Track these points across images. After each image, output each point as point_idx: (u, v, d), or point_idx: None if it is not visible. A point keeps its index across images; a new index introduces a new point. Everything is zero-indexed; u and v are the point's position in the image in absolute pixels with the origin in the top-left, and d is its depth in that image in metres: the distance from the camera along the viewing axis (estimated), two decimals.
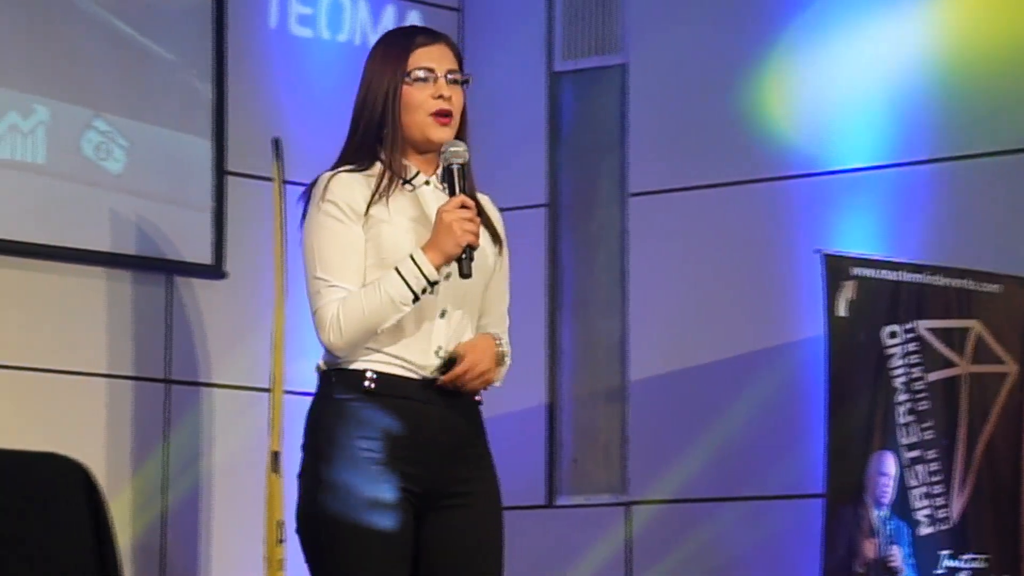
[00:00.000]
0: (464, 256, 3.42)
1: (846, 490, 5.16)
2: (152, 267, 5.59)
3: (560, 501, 6.19)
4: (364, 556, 3.36)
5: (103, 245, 5.47)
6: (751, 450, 5.83)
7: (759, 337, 5.84)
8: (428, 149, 3.50)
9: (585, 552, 6.06)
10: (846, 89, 5.85)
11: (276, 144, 5.38)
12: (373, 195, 3.43)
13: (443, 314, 3.47)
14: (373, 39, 6.35)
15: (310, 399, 3.48)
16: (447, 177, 3.47)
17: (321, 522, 3.36)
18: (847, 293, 5.25)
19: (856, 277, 5.26)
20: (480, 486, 3.51)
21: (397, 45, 3.52)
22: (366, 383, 3.39)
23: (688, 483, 5.89)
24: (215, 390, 5.72)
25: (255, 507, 5.35)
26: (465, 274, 3.43)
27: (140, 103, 5.56)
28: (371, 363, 3.40)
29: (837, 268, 5.25)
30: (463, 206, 3.42)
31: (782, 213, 5.89)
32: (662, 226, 6.09)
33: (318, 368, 3.47)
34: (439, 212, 3.42)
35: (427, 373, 3.44)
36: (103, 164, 5.51)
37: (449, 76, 3.50)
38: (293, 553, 3.69)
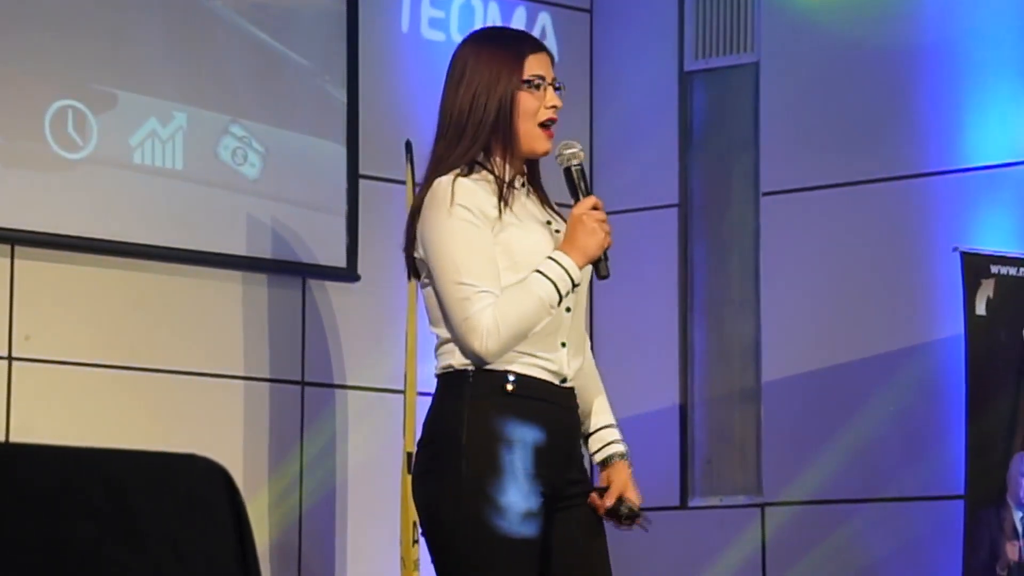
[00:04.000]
0: (603, 258, 3.43)
1: (987, 491, 5.08)
2: (287, 271, 5.64)
3: (694, 502, 6.16)
4: (507, 559, 3.37)
5: (239, 249, 5.53)
6: (888, 451, 5.76)
7: (896, 337, 5.77)
8: (529, 157, 3.53)
9: (719, 554, 6.02)
10: (984, 84, 5.76)
11: (408, 147, 5.41)
12: (499, 199, 3.44)
13: (568, 309, 3.48)
14: None
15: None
16: (568, 179, 3.48)
17: (462, 523, 3.35)
18: (986, 291, 5.18)
19: (996, 275, 5.19)
20: (587, 487, 3.53)
21: (510, 49, 3.51)
22: (508, 385, 3.39)
23: (824, 484, 5.84)
24: (349, 392, 5.76)
25: (390, 507, 5.38)
26: (604, 275, 3.44)
27: (275, 109, 5.62)
28: (510, 364, 3.40)
29: (976, 266, 5.18)
30: (595, 207, 3.43)
31: (919, 211, 5.82)
32: (795, 225, 6.04)
33: (448, 369, 3.45)
34: (577, 215, 3.43)
35: (558, 370, 3.45)
36: (239, 169, 5.57)
37: (555, 85, 3.53)
38: (428, 553, 3.71)
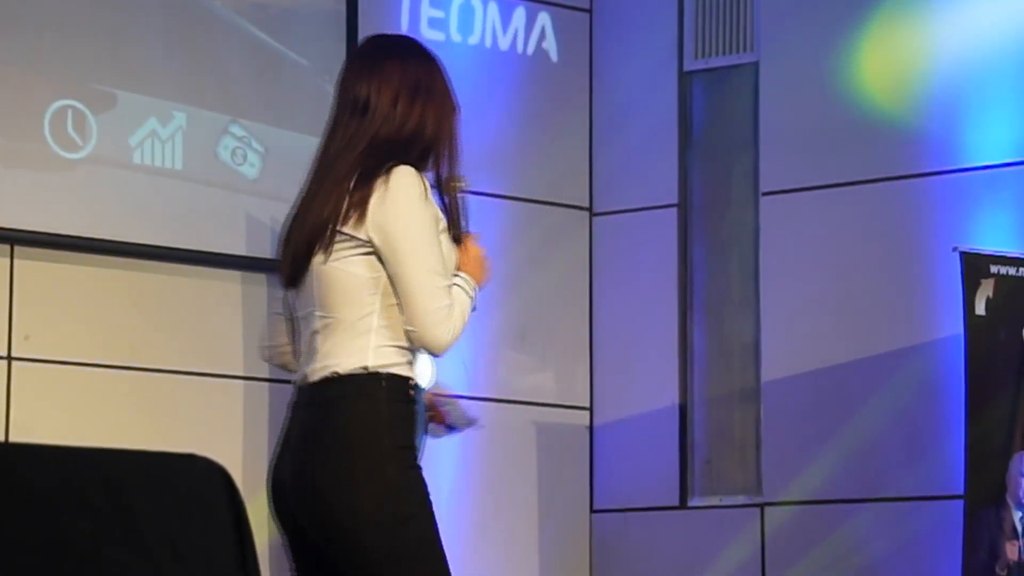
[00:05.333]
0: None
1: (987, 491, 5.08)
2: None
3: (693, 502, 6.16)
4: (440, 555, 3.45)
5: (239, 249, 5.53)
6: (888, 451, 5.76)
7: (896, 336, 5.77)
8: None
9: (719, 554, 6.03)
10: (984, 84, 5.77)
11: None
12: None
13: None
14: (503, 42, 6.41)
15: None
16: (453, 204, 3.61)
17: (401, 526, 3.39)
18: (986, 291, 5.18)
19: (995, 275, 5.19)
20: None
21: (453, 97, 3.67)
22: (410, 391, 3.45)
23: (824, 484, 5.84)
24: None
25: None
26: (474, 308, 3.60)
27: (275, 108, 5.62)
28: (411, 371, 3.47)
29: (975, 266, 5.18)
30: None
31: (918, 210, 5.82)
32: (795, 225, 6.04)
33: (361, 371, 3.44)
34: (478, 250, 3.58)
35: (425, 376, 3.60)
36: (239, 169, 5.57)
37: None
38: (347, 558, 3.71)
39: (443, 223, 3.53)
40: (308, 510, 3.47)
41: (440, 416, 3.72)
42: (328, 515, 3.44)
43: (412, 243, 3.44)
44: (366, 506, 3.40)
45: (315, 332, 3.48)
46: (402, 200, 3.44)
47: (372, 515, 3.41)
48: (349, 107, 3.61)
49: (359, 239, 3.45)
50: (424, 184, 3.47)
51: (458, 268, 3.53)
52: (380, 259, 3.45)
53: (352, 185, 3.47)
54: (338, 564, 3.48)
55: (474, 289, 3.53)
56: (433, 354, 3.47)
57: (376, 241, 3.44)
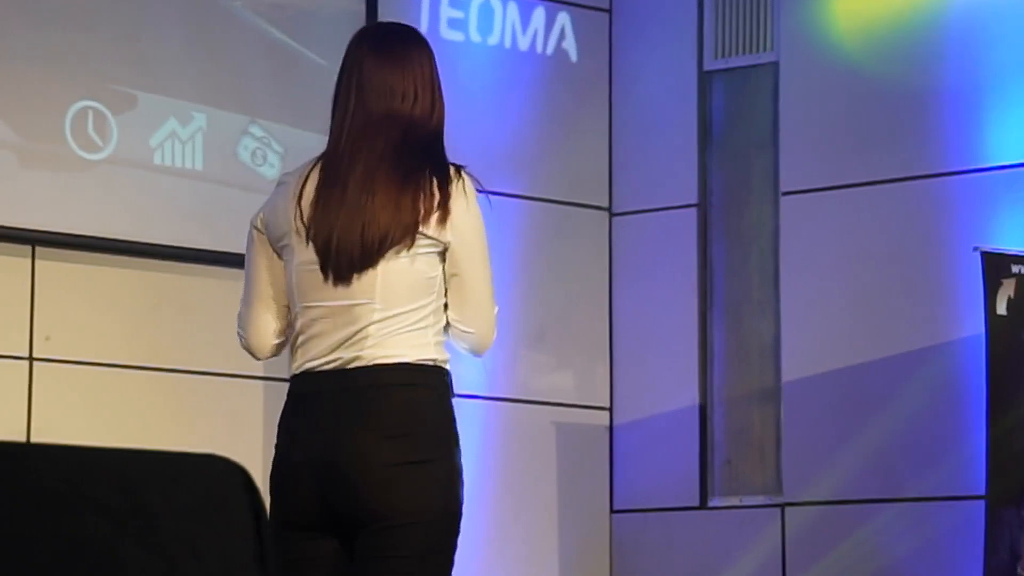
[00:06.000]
0: None
1: (1008, 491, 5.07)
2: None
3: (713, 503, 6.16)
4: None
5: None
6: (909, 451, 5.75)
7: (917, 336, 5.76)
8: None
9: (739, 554, 6.02)
10: (1005, 84, 5.75)
11: None
12: None
13: None
14: (523, 42, 6.42)
15: (440, 394, 3.50)
16: None
17: (458, 515, 3.44)
18: (1007, 291, 5.17)
19: (1016, 275, 5.18)
20: None
21: None
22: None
23: (844, 484, 5.83)
24: None
25: None
26: None
27: (294, 109, 5.63)
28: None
29: (997, 266, 5.17)
30: None
31: (939, 210, 5.81)
32: (815, 225, 6.03)
33: (444, 363, 3.47)
34: None
35: None
36: (259, 169, 5.58)
37: None
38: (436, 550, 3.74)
39: None
40: (361, 494, 3.41)
41: None
42: (395, 500, 3.40)
43: (483, 250, 3.48)
44: (437, 494, 3.41)
45: (369, 324, 3.46)
46: (477, 208, 3.47)
47: (439, 503, 3.42)
48: (384, 99, 3.54)
49: (438, 240, 3.45)
50: None
51: None
52: (442, 260, 3.46)
53: (427, 185, 3.45)
54: (382, 551, 3.44)
55: None
56: (478, 355, 3.52)
57: (454, 245, 3.44)
